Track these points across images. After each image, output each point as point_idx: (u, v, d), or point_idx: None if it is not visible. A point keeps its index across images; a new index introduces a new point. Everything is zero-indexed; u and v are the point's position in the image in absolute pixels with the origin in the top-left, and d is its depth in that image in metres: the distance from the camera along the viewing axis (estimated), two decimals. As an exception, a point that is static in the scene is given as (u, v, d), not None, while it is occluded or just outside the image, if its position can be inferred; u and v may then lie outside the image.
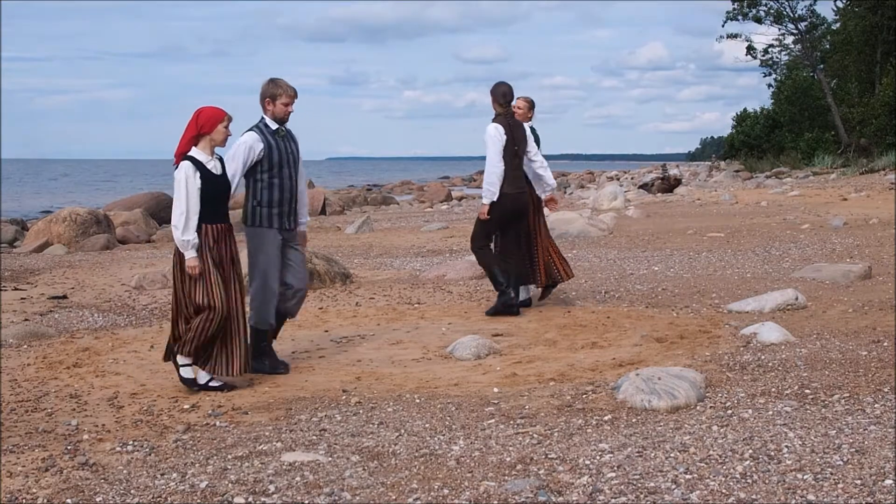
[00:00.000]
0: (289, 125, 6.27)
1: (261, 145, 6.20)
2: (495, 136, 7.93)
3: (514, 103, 8.26)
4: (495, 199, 7.92)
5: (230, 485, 3.98)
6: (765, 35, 62.60)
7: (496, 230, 8.19)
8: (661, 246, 13.21)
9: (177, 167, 5.73)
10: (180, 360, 5.81)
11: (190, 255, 5.67)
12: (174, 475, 4.14)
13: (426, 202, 34.75)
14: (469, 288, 9.87)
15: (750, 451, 4.08)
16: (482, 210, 8.02)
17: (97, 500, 3.89)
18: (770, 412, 4.68)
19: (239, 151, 6.14)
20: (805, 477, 3.74)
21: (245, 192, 6.37)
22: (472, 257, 11.69)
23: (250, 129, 6.28)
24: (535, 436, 4.52)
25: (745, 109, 48.54)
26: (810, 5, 49.66)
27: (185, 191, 5.65)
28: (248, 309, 6.13)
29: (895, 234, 12.90)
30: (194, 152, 5.73)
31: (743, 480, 3.75)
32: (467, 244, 14.98)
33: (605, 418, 4.80)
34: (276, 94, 6.28)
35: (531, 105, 8.58)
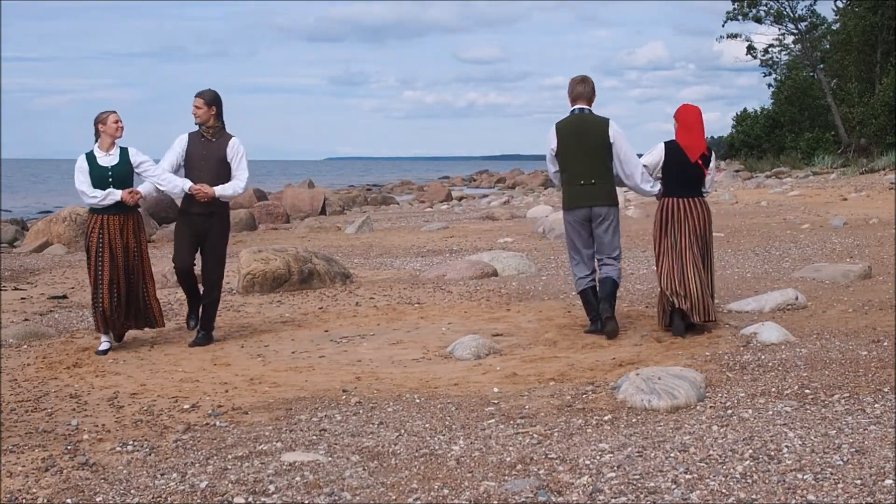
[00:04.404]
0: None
1: None
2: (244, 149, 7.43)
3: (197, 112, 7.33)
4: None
5: (230, 485, 3.98)
6: (765, 35, 62.60)
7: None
8: (661, 246, 13.19)
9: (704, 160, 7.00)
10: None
11: None
12: (174, 475, 4.14)
13: (426, 202, 34.71)
14: (469, 288, 9.86)
15: (750, 451, 4.08)
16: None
17: (97, 500, 3.89)
18: (770, 412, 4.68)
19: None
20: (805, 477, 3.74)
21: (603, 171, 7.04)
22: (473, 257, 11.72)
23: (605, 116, 7.06)
24: (535, 436, 4.52)
25: (745, 109, 48.49)
26: (810, 5, 49.75)
27: None
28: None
29: (895, 234, 12.89)
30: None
31: (743, 480, 3.75)
32: (467, 244, 15.03)
33: (605, 418, 4.80)
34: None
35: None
